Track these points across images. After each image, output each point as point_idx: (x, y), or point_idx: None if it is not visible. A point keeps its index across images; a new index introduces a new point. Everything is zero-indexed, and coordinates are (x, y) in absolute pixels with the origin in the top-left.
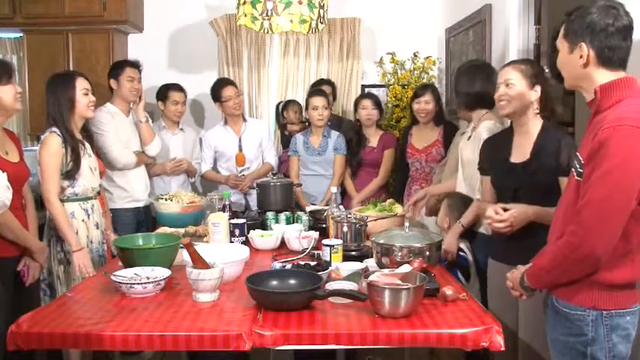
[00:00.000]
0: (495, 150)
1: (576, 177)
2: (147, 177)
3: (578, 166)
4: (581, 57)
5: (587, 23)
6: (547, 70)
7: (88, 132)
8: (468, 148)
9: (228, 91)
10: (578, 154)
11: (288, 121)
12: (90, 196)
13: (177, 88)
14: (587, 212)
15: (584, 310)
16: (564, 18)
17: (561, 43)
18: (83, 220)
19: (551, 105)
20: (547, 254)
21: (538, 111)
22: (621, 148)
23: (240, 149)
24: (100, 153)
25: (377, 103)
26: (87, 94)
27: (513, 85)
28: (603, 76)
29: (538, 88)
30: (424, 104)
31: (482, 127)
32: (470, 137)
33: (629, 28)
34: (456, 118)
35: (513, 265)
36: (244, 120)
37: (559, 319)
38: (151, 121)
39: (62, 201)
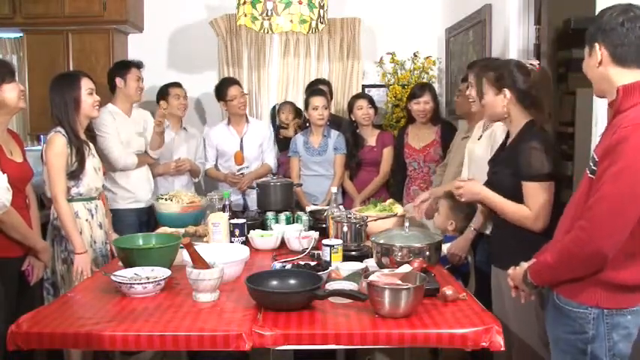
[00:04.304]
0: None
1: (589, 174)
2: (151, 178)
3: (592, 164)
4: (595, 57)
5: (599, 24)
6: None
7: (92, 132)
8: (481, 147)
9: (233, 91)
10: (593, 152)
11: (281, 123)
12: (94, 196)
13: (176, 84)
14: (599, 208)
15: (587, 309)
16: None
17: (585, 52)
18: (87, 220)
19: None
20: (552, 250)
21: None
22: (638, 146)
23: (242, 149)
24: (101, 154)
25: (372, 102)
26: (92, 94)
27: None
28: (621, 75)
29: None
30: (424, 104)
31: (497, 125)
32: (480, 137)
33: None
34: (454, 118)
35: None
36: (247, 121)
37: (560, 317)
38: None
39: (67, 201)
